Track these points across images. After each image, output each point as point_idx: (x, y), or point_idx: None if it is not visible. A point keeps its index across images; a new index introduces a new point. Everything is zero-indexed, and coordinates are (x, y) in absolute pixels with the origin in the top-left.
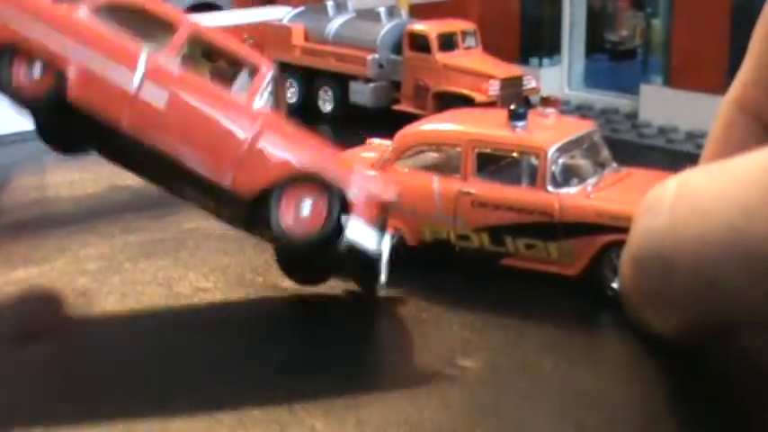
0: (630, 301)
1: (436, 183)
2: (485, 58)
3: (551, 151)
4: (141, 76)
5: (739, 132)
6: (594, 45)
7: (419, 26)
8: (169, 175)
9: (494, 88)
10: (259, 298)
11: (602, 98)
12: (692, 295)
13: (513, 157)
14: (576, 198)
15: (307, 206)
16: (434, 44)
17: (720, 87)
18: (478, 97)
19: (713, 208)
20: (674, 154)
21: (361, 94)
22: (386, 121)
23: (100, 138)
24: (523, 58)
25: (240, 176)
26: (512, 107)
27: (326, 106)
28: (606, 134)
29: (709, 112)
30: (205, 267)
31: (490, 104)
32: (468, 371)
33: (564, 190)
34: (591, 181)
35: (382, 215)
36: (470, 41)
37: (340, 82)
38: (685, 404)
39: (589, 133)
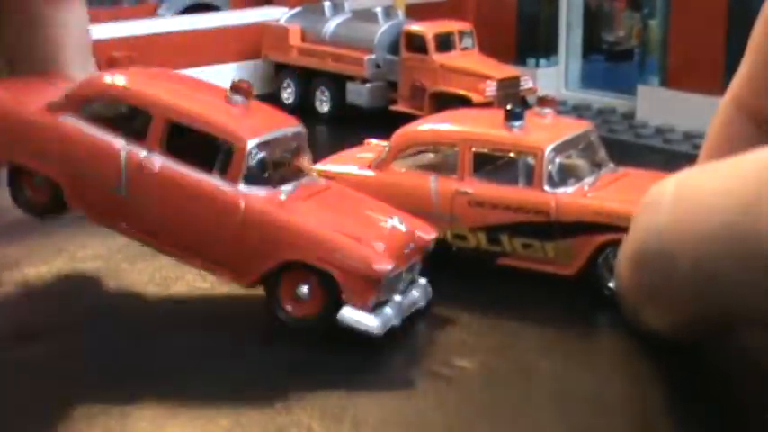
0: (628, 299)
1: (433, 183)
2: (481, 58)
3: (548, 151)
4: (126, 181)
5: (737, 132)
6: (591, 46)
7: (416, 27)
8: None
9: (490, 89)
10: (256, 299)
11: (599, 98)
12: (692, 290)
13: (509, 156)
14: (573, 197)
15: (304, 291)
16: (431, 45)
17: (717, 88)
18: (475, 98)
19: (713, 205)
20: (670, 154)
21: (358, 94)
22: (383, 121)
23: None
24: (520, 59)
25: (236, 268)
26: (508, 107)
27: (324, 107)
28: (603, 134)
29: (705, 113)
30: None
31: (487, 105)
32: (464, 371)
33: (560, 189)
34: (587, 180)
35: (416, 260)
36: (467, 42)
37: (337, 82)
38: (684, 403)
39: (586, 133)
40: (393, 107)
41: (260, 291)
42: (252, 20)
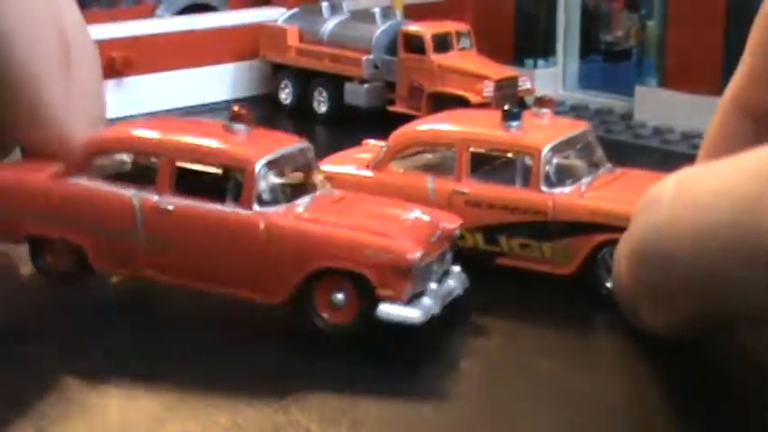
0: (627, 297)
1: (431, 183)
2: (479, 59)
3: (545, 151)
4: (142, 227)
5: (736, 131)
6: (589, 46)
7: (414, 27)
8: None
9: (488, 89)
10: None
11: (596, 99)
12: (691, 288)
13: (507, 157)
14: (570, 197)
15: (340, 298)
16: (429, 45)
17: (715, 89)
18: (473, 98)
19: (712, 203)
20: (668, 154)
21: (356, 94)
22: (381, 121)
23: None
24: (518, 60)
25: (266, 289)
26: (506, 108)
27: (321, 107)
28: (601, 135)
29: (703, 113)
30: None
31: (485, 105)
32: (463, 371)
33: (558, 189)
34: (585, 181)
35: (445, 249)
36: (465, 42)
37: (335, 83)
38: (683, 402)
39: (583, 133)
40: (391, 107)
41: None
42: (249, 20)
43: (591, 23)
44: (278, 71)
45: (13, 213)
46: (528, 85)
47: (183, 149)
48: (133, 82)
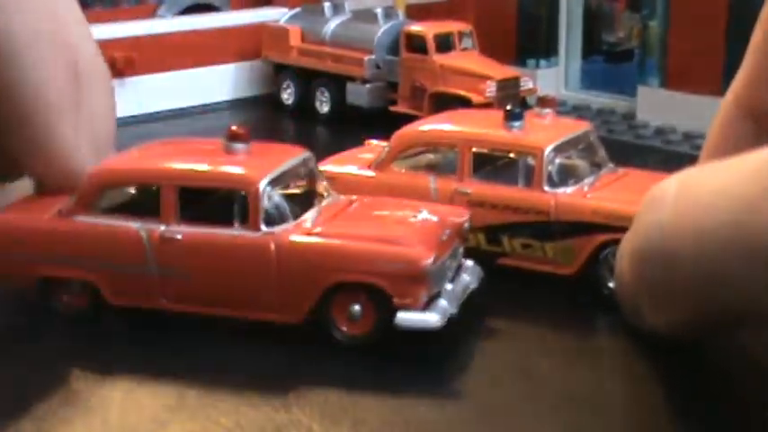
0: (629, 297)
1: (433, 183)
2: (481, 59)
3: (547, 151)
4: (152, 259)
5: (738, 131)
6: (591, 46)
7: (416, 27)
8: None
9: (490, 89)
10: None
11: (598, 99)
12: (694, 287)
13: (509, 157)
14: (572, 198)
15: (357, 309)
16: (431, 45)
17: (717, 89)
18: (475, 98)
19: (714, 203)
20: (670, 155)
21: (358, 94)
22: (383, 121)
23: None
24: (520, 60)
25: (282, 309)
26: (508, 108)
27: (324, 107)
28: (603, 135)
29: (705, 114)
30: None
31: (487, 105)
32: (464, 371)
33: (560, 190)
34: (587, 181)
35: (457, 244)
36: (467, 42)
37: (337, 83)
38: (684, 402)
39: (585, 133)
40: (393, 108)
41: None
42: (251, 20)
43: (593, 24)
44: (280, 71)
45: (22, 257)
46: (530, 86)
47: (183, 176)
48: (135, 82)
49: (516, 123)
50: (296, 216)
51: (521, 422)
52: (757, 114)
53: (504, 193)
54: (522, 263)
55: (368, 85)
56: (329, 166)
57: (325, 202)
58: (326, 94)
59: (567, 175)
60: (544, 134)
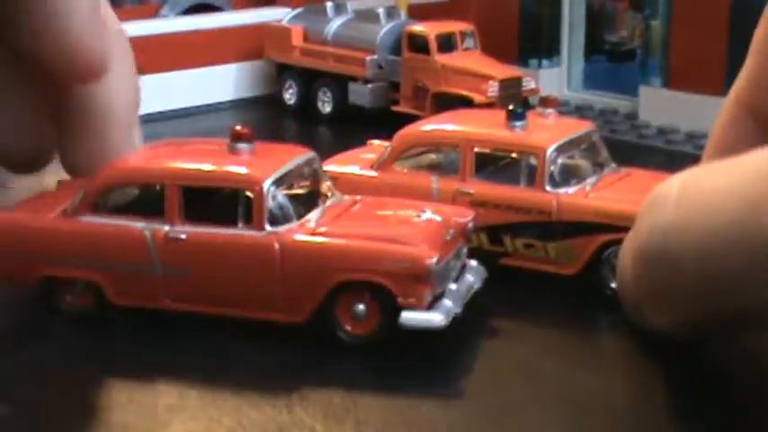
0: (631, 297)
1: (435, 183)
2: (484, 59)
3: (550, 151)
4: (157, 258)
5: (741, 131)
6: (594, 46)
7: (418, 27)
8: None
9: (493, 89)
10: None
11: (601, 99)
12: (696, 287)
13: (511, 157)
14: (575, 197)
15: (361, 309)
16: (433, 45)
17: (719, 89)
18: (477, 98)
19: (717, 203)
20: (673, 155)
21: (361, 94)
22: (385, 121)
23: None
24: (522, 60)
25: (287, 308)
26: (510, 108)
27: (326, 107)
28: (606, 135)
29: (708, 114)
30: None
31: (489, 105)
32: (467, 372)
33: (562, 190)
34: (590, 181)
35: (461, 244)
36: (469, 42)
37: (339, 83)
38: (686, 402)
39: (588, 133)
40: (395, 108)
41: None
42: (254, 20)
43: (595, 24)
44: (282, 71)
45: (26, 256)
46: (532, 86)
47: (188, 176)
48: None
49: (518, 123)
50: (300, 216)
51: (524, 422)
52: (760, 114)
53: (506, 193)
54: (524, 263)
55: (370, 85)
56: (332, 166)
57: (329, 202)
58: (329, 93)
59: (569, 175)
60: (546, 134)
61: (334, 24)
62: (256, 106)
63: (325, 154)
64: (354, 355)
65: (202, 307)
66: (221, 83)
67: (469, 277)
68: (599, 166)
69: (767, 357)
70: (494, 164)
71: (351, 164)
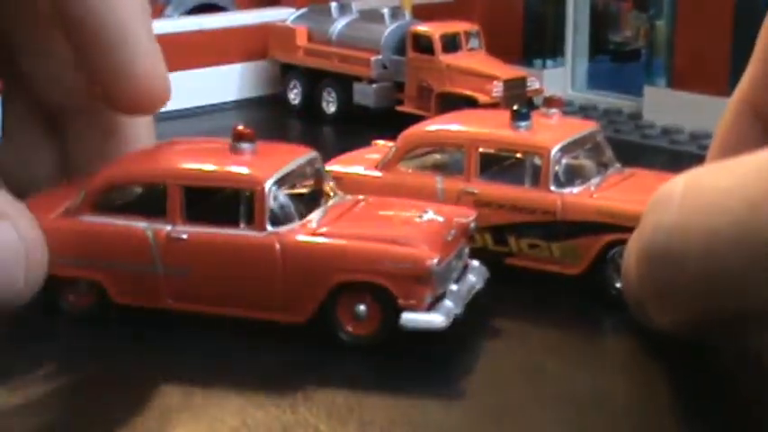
0: (635, 296)
1: (439, 183)
2: (488, 59)
3: (554, 151)
4: (158, 258)
5: (745, 131)
6: (598, 46)
7: (422, 27)
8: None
9: (497, 89)
10: None
11: (605, 99)
12: (699, 287)
13: (516, 157)
14: (579, 197)
15: (362, 309)
16: (438, 45)
17: (723, 89)
18: (482, 98)
19: (721, 203)
20: (677, 155)
21: (365, 95)
22: (390, 121)
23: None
24: (527, 60)
25: (289, 309)
26: (515, 108)
27: (330, 107)
28: (610, 135)
29: (712, 114)
30: None
31: (493, 105)
32: (470, 372)
33: (567, 190)
34: (594, 181)
35: (462, 245)
36: (474, 42)
37: (343, 83)
38: (689, 403)
39: (592, 133)
40: (400, 108)
41: None
42: (258, 20)
43: (600, 23)
44: (286, 71)
45: None
46: (537, 86)
47: (190, 176)
48: None
49: (523, 123)
50: (302, 216)
51: (526, 422)
52: (763, 115)
53: (510, 194)
54: (528, 263)
55: (374, 86)
56: (336, 167)
57: (331, 202)
58: (333, 94)
59: (573, 175)
60: (551, 134)
61: (339, 24)
62: (260, 106)
63: (330, 154)
64: (358, 356)
65: (204, 307)
66: (225, 83)
67: (471, 277)
68: (603, 166)
69: None
70: (498, 164)
71: (355, 164)
